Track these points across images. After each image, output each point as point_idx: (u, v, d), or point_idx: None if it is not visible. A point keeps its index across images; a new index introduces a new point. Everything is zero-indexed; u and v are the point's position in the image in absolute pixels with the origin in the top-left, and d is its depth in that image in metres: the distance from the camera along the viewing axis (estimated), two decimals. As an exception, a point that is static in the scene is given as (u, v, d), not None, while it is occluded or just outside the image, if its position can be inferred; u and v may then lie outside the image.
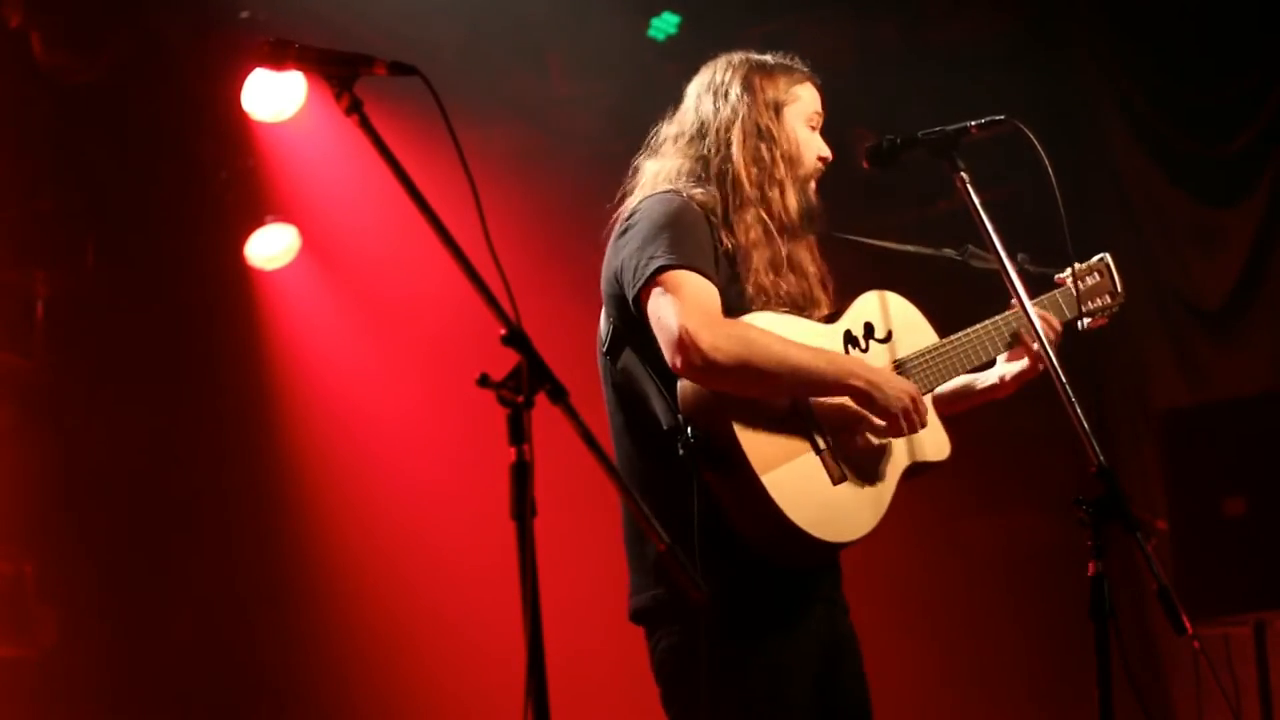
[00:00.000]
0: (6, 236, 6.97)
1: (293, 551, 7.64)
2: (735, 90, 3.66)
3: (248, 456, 7.59)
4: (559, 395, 2.55)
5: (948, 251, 3.92)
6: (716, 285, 3.42)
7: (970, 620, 7.36)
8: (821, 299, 3.67)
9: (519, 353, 2.54)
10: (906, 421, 3.47)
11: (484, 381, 2.52)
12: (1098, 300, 3.96)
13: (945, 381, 3.71)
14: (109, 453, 7.30)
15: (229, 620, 7.46)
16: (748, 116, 3.63)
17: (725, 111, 3.65)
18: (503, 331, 2.56)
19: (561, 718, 2.54)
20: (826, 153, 3.73)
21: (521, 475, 2.51)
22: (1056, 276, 3.90)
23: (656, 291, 3.39)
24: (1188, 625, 3.07)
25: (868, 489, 3.48)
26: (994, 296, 3.75)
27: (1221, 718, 5.61)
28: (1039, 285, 3.81)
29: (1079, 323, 3.93)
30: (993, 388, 3.83)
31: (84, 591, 7.19)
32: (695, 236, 3.46)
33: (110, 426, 7.29)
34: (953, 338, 3.74)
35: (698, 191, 3.56)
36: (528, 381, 2.53)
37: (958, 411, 3.83)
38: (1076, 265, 3.91)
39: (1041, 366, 3.69)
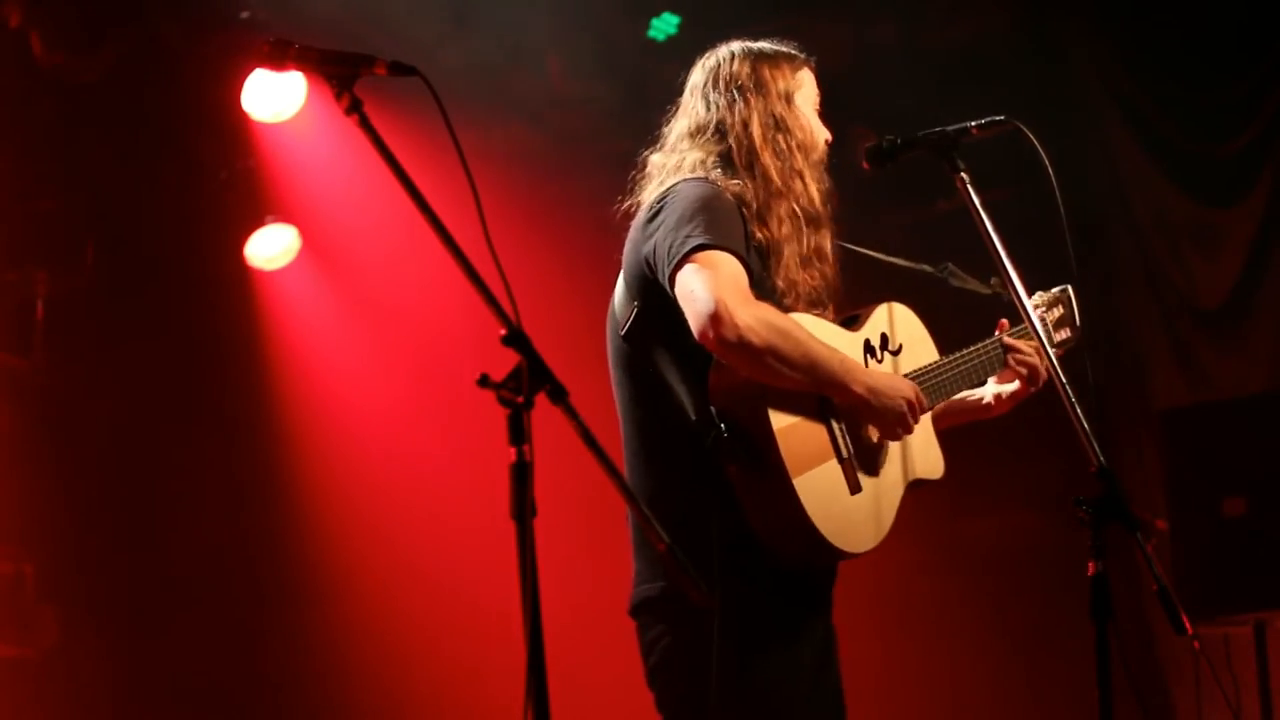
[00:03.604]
0: (6, 236, 6.97)
1: (294, 551, 7.64)
2: (748, 83, 3.65)
3: (248, 456, 7.59)
4: (559, 395, 2.55)
5: (925, 267, 3.91)
6: (749, 271, 3.41)
7: (969, 620, 7.36)
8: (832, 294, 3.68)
9: (519, 353, 2.55)
10: (902, 428, 3.48)
11: (484, 382, 2.52)
12: (1061, 333, 3.97)
13: (954, 395, 3.71)
14: (109, 453, 7.30)
15: (229, 620, 7.46)
16: (765, 110, 3.62)
17: (741, 105, 3.63)
18: (503, 332, 2.57)
19: (562, 717, 2.54)
20: (828, 135, 3.75)
21: (521, 475, 2.51)
22: (1033, 302, 3.87)
23: (690, 268, 3.34)
24: (1188, 625, 3.06)
25: (877, 503, 3.48)
26: (974, 310, 3.76)
27: (1221, 718, 5.62)
28: (1007, 311, 3.80)
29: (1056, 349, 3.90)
30: (984, 407, 3.84)
31: (84, 591, 7.19)
32: (730, 221, 3.44)
33: (110, 426, 7.29)
34: (953, 357, 3.73)
35: (733, 183, 3.54)
36: (528, 382, 2.53)
37: (942, 429, 3.82)
38: (1040, 295, 3.93)
39: (1032, 389, 3.73)
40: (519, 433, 2.51)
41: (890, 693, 3.79)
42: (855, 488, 3.42)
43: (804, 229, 3.56)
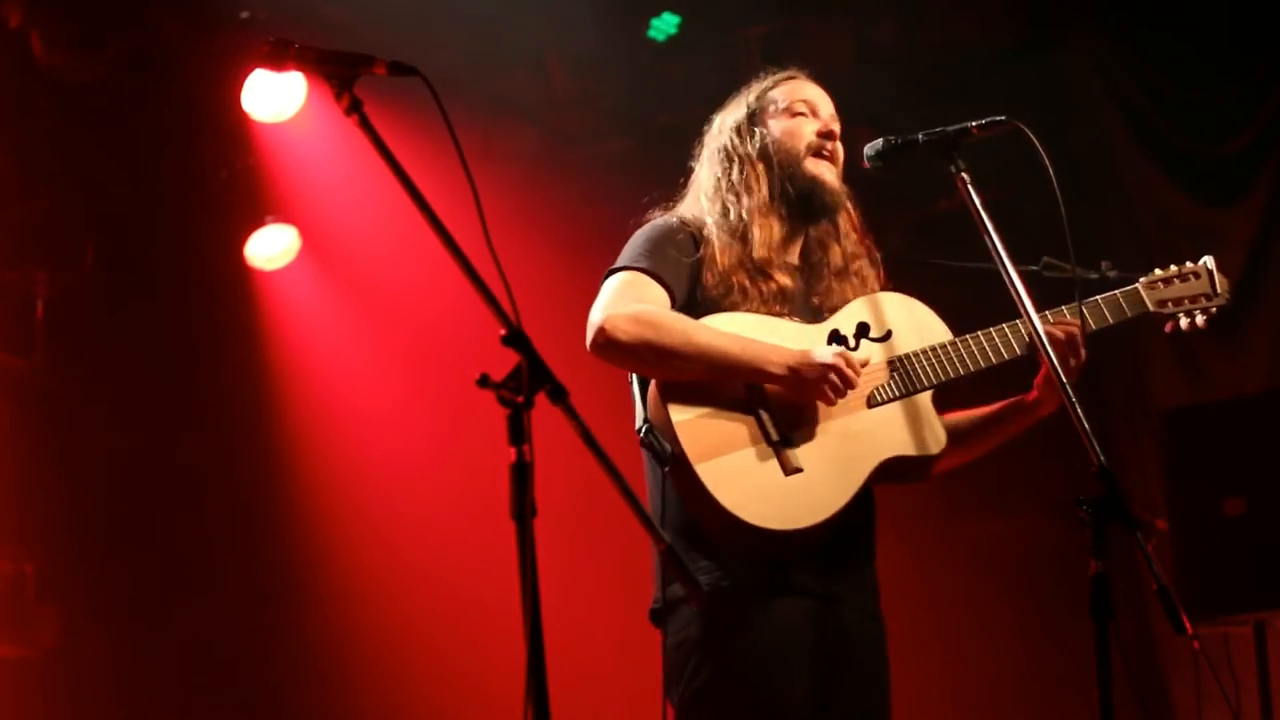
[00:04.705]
0: (6, 236, 6.98)
1: (293, 551, 7.65)
2: (716, 123, 3.86)
3: (248, 456, 7.59)
4: (559, 395, 2.56)
5: (1027, 268, 3.85)
6: (669, 287, 3.55)
7: (970, 620, 7.36)
8: (838, 290, 3.71)
9: (519, 353, 2.55)
10: (833, 390, 3.49)
11: (484, 382, 2.52)
12: (1188, 302, 3.91)
13: (951, 377, 3.69)
14: (109, 453, 7.31)
15: (229, 620, 7.46)
16: (718, 146, 3.80)
17: (706, 146, 3.85)
18: (503, 332, 2.57)
19: (561, 717, 2.54)
20: (830, 127, 3.79)
21: (521, 475, 2.51)
22: (1140, 279, 3.88)
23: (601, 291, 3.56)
24: (1188, 625, 3.06)
25: (829, 478, 3.50)
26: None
27: (1221, 718, 5.60)
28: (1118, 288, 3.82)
29: (1173, 321, 3.86)
30: (1035, 404, 3.78)
31: (84, 591, 7.20)
32: (658, 246, 3.60)
33: (110, 426, 7.30)
34: (961, 338, 3.72)
35: (689, 214, 3.71)
36: (527, 382, 2.53)
37: (1010, 436, 3.82)
38: (1173, 267, 3.90)
39: (1075, 363, 3.68)
40: (519, 433, 2.52)
41: (890, 691, 3.79)
42: (791, 469, 3.47)
43: (740, 244, 3.65)
